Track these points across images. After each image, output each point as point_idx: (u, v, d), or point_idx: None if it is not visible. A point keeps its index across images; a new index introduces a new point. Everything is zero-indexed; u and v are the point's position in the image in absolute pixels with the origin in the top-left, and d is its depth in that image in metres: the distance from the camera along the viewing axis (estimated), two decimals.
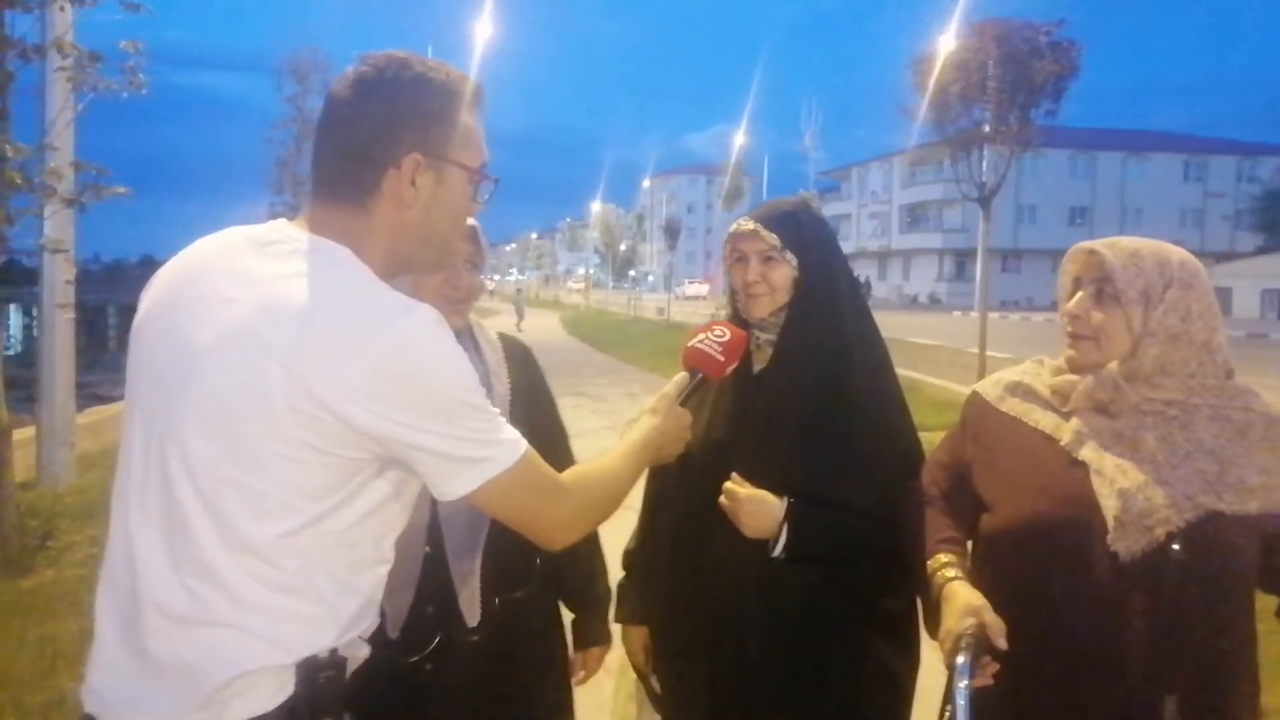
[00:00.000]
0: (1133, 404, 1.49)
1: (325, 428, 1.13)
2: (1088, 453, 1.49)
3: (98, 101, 5.70)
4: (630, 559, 2.08)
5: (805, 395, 1.80)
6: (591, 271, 70.46)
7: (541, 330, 32.15)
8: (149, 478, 1.19)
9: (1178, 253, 1.56)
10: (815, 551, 1.76)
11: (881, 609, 1.83)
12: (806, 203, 1.97)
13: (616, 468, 1.46)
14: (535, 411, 1.94)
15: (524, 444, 1.26)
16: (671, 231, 35.91)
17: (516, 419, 1.80)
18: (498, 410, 1.25)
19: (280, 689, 1.17)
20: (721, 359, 1.71)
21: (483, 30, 29.13)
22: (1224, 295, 40.68)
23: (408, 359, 1.14)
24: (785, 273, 1.83)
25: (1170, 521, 1.40)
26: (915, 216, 63.71)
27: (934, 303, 55.50)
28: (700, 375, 1.70)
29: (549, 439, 1.93)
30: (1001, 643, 1.42)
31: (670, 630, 1.96)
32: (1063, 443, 1.53)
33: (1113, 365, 1.53)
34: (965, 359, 12.28)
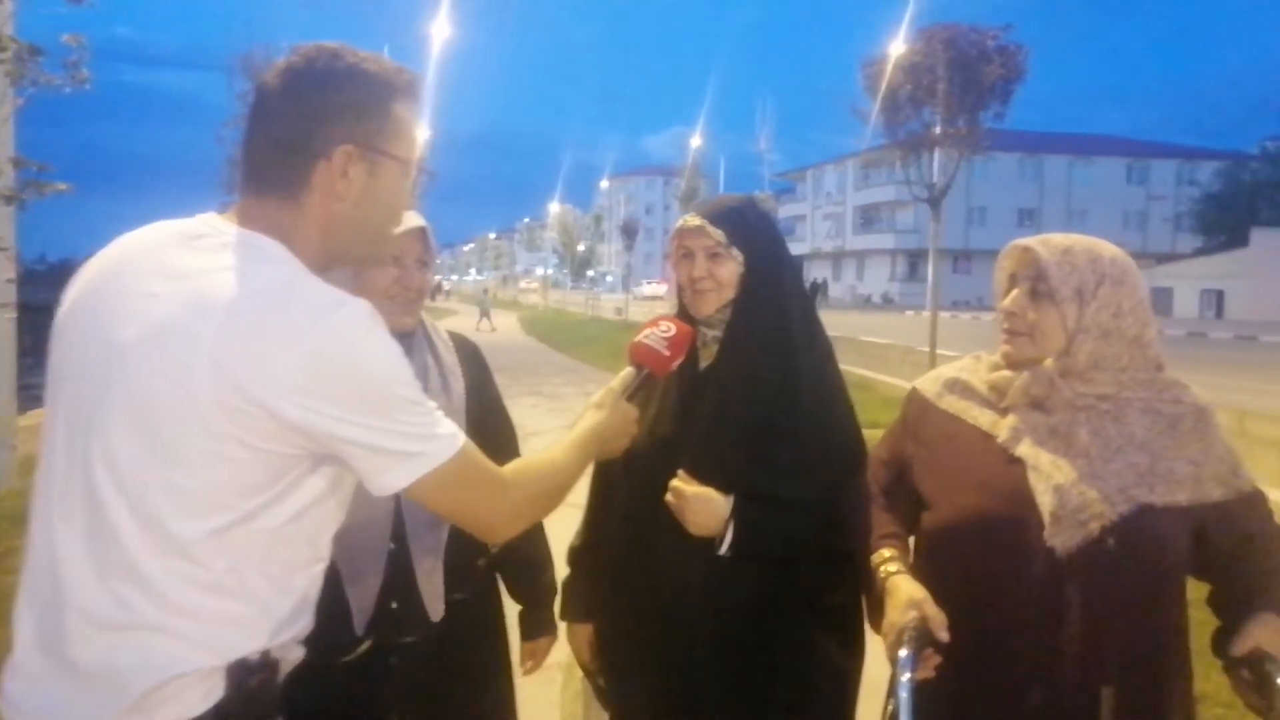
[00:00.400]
0: (1067, 399, 1.52)
1: (255, 423, 1.11)
2: (1024, 449, 1.52)
3: (45, 98, 5.58)
4: (575, 556, 2.07)
5: (751, 392, 1.79)
6: (550, 271, 70.23)
7: (500, 330, 31.97)
8: (71, 478, 1.17)
9: (1109, 249, 1.59)
10: (761, 549, 1.75)
11: (827, 605, 1.83)
12: (753, 199, 1.97)
13: (560, 461, 1.45)
14: (486, 409, 1.95)
15: (461, 438, 1.25)
16: (629, 232, 35.96)
17: (470, 417, 1.84)
18: (435, 405, 1.24)
19: (209, 693, 1.15)
20: (667, 354, 1.70)
21: (439, 30, 28.94)
22: (1165, 295, 41.68)
23: (340, 353, 1.13)
24: (732, 269, 1.81)
25: (1104, 516, 1.42)
26: (869, 218, 64.33)
27: (887, 302, 56.11)
28: (646, 371, 1.70)
29: (499, 436, 1.95)
30: (943, 635, 1.44)
31: (616, 628, 1.96)
32: (1000, 439, 1.55)
33: (1049, 362, 1.55)
34: (916, 357, 12.46)
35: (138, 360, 1.13)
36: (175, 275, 1.17)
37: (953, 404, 1.67)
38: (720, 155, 48.98)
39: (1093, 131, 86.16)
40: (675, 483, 1.74)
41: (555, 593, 2.10)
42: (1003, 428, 1.57)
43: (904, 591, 1.50)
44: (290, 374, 1.10)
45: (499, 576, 2.07)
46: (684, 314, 1.89)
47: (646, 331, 1.74)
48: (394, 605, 1.74)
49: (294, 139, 1.22)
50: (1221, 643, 1.46)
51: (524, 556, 2.04)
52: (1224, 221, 48.71)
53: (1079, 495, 1.44)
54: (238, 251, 1.18)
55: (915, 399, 1.75)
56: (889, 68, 10.02)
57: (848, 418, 1.90)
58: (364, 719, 1.75)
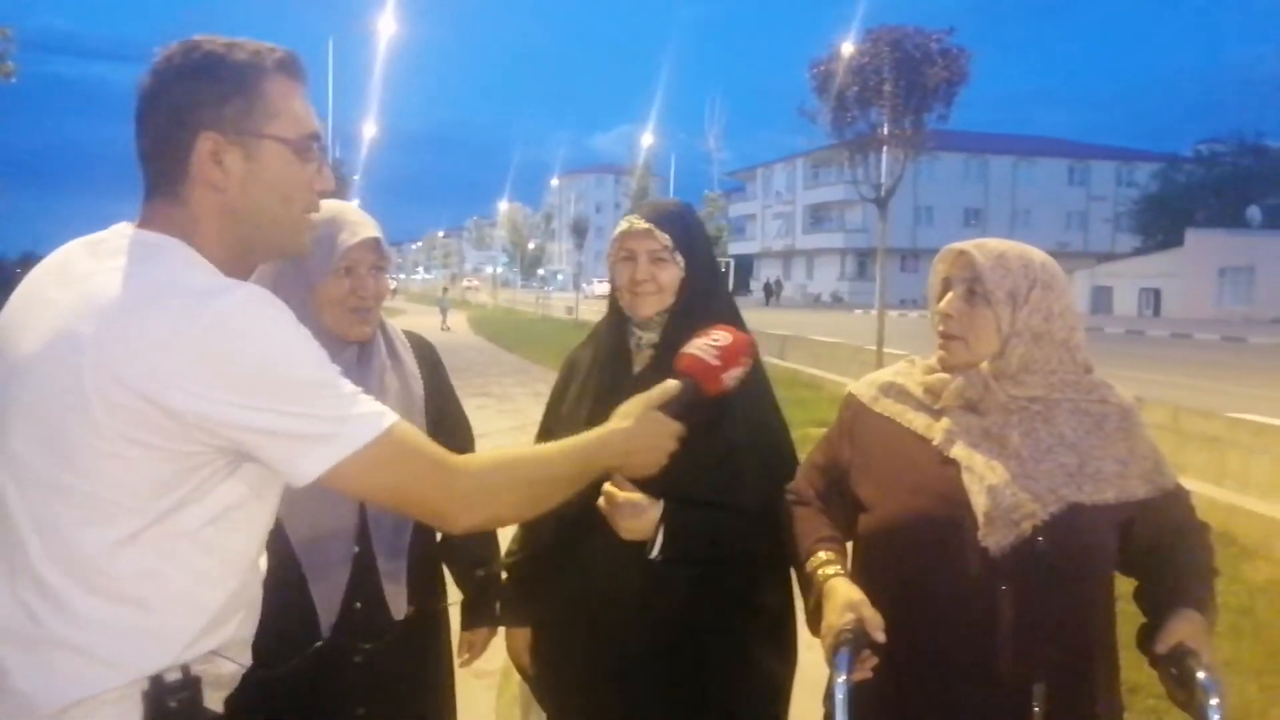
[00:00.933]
0: (1000, 402, 1.55)
1: (144, 419, 1.08)
2: (958, 451, 1.54)
3: None
4: (511, 561, 2.08)
5: None
6: (499, 270, 69.89)
7: (450, 329, 31.72)
8: None
9: (1038, 254, 1.63)
10: (692, 552, 1.77)
11: (759, 608, 1.86)
12: (690, 206, 2.01)
13: (546, 456, 1.40)
14: (444, 406, 1.98)
15: (388, 419, 1.20)
16: (579, 230, 35.90)
17: (430, 418, 1.87)
18: (354, 388, 1.20)
19: (124, 716, 1.12)
20: (717, 364, 1.55)
21: (386, 26, 28.64)
22: (1105, 294, 42.76)
23: (227, 337, 1.10)
24: (673, 273, 1.83)
25: (1035, 515, 1.46)
26: (818, 217, 64.98)
27: (837, 301, 56.74)
28: (693, 384, 1.54)
29: (457, 432, 1.99)
30: (880, 636, 1.45)
31: (552, 632, 1.96)
32: (934, 442, 1.58)
33: (984, 365, 1.58)
34: (865, 356, 12.60)
35: (35, 368, 1.13)
36: (70, 281, 1.17)
37: (888, 407, 1.68)
38: (671, 154, 49.24)
39: (1035, 133, 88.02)
40: (607, 488, 1.74)
41: (499, 584, 2.10)
42: (937, 430, 1.59)
43: (841, 594, 1.52)
44: (176, 363, 1.08)
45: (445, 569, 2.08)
46: (618, 315, 1.91)
47: (697, 341, 1.59)
48: (358, 605, 1.77)
49: (163, 136, 1.21)
50: (1147, 639, 1.49)
51: (471, 546, 2.05)
52: (1161, 222, 50.02)
53: (1011, 496, 1.47)
54: (129, 252, 1.17)
55: (851, 403, 1.76)
56: (836, 68, 10.12)
57: (777, 423, 1.92)
58: (329, 715, 1.78)
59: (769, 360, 15.80)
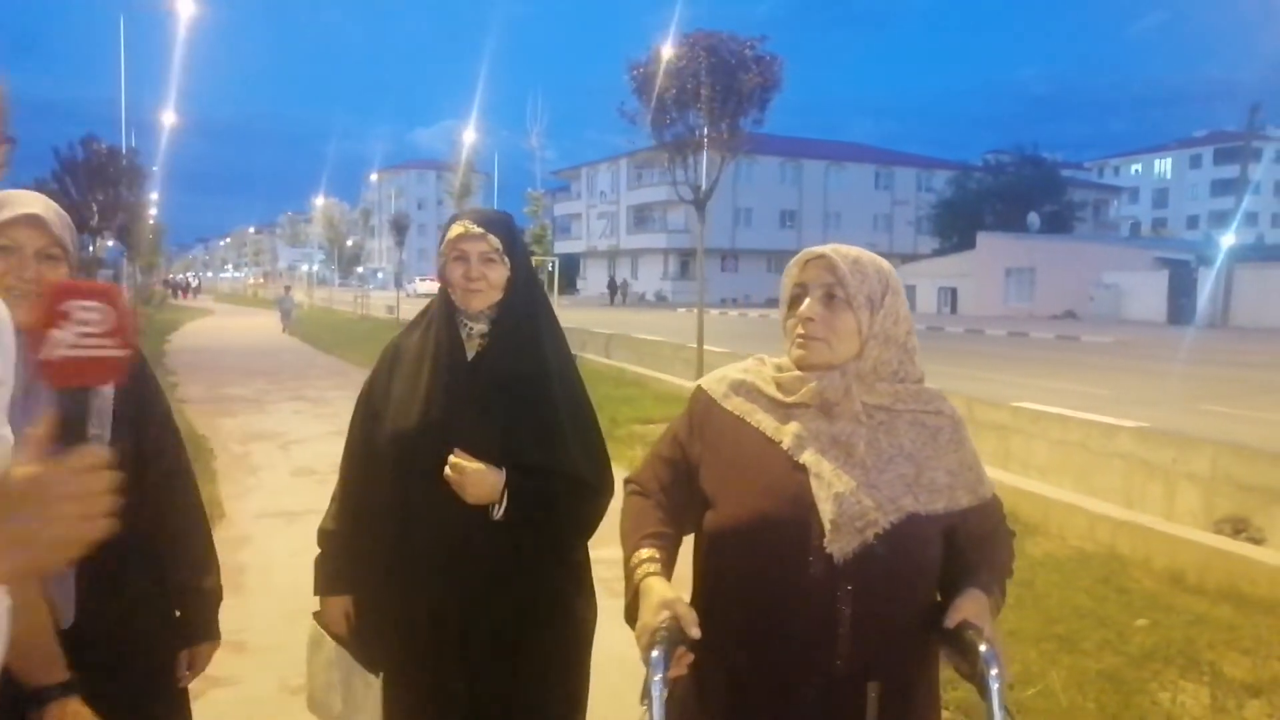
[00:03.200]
0: (853, 411, 1.60)
1: None
2: (808, 457, 1.58)
3: None
4: (328, 535, 2.21)
5: (516, 378, 2.05)
6: (315, 268, 66.96)
7: (259, 330, 30.13)
8: None
9: (884, 261, 1.70)
10: (529, 512, 2.00)
11: (570, 560, 2.15)
12: (509, 214, 2.26)
13: None
14: (145, 416, 1.92)
15: None
16: (400, 227, 34.90)
17: (122, 421, 1.80)
18: None
19: None
20: (115, 353, 1.02)
21: (184, 6, 26.74)
22: (909, 293, 45.21)
23: None
24: (502, 273, 2.07)
25: (877, 524, 1.51)
26: (642, 217, 65.94)
27: (660, 300, 57.80)
28: (87, 391, 1.03)
29: (158, 445, 1.94)
30: (695, 633, 1.46)
31: (385, 594, 2.10)
32: (784, 445, 1.60)
33: (846, 366, 1.62)
34: (687, 354, 12.89)
35: None
36: None
37: (738, 405, 1.70)
38: (494, 151, 48.63)
39: (846, 139, 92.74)
40: (455, 459, 1.96)
41: (218, 598, 2.07)
42: (786, 434, 1.62)
43: (656, 593, 1.52)
44: None
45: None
46: (449, 307, 2.11)
47: (57, 335, 1.00)
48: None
49: None
50: (936, 617, 1.56)
51: (179, 557, 2.00)
52: (956, 225, 53.93)
53: (856, 504, 1.52)
54: None
55: (701, 398, 1.77)
56: (654, 71, 10.28)
57: (584, 397, 2.20)
58: None
59: (595, 359, 15.79)
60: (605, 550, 2.03)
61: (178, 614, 2.02)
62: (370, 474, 2.12)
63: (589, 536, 2.16)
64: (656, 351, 15.20)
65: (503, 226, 2.11)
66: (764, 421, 1.66)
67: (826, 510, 1.52)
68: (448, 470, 1.96)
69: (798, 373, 1.66)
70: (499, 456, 1.98)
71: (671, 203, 55.22)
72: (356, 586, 2.18)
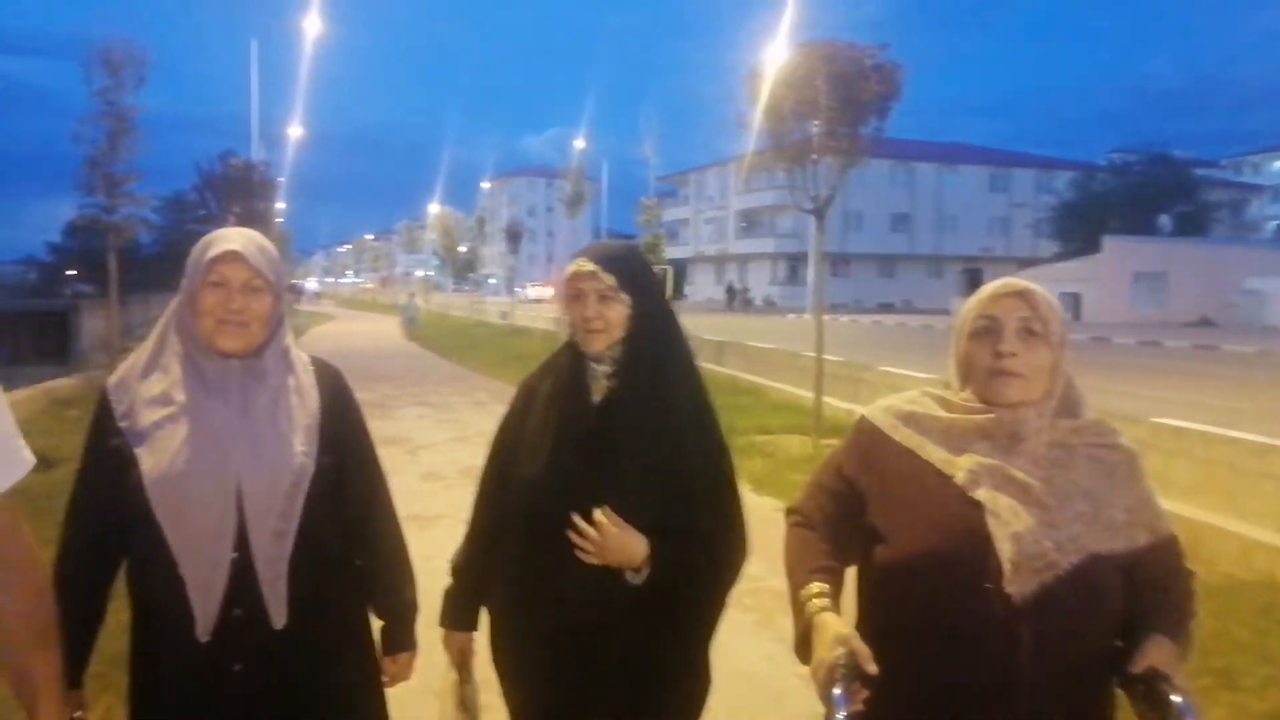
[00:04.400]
0: (1031, 449, 1.58)
1: None
2: (983, 493, 1.56)
3: None
4: (460, 568, 2.17)
5: (642, 427, 1.94)
6: (430, 274, 69.01)
7: (379, 335, 31.20)
8: None
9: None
10: (667, 578, 1.90)
11: (702, 624, 2.04)
12: (637, 247, 2.16)
13: None
14: (346, 432, 1.99)
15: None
16: (513, 235, 35.60)
17: (326, 436, 1.92)
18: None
19: None
20: None
21: (311, 25, 28.01)
22: None
23: None
24: (620, 311, 1.97)
25: (1058, 565, 1.50)
26: (750, 222, 65.52)
27: (769, 305, 57.32)
28: None
29: (358, 460, 2.02)
30: (871, 668, 1.47)
31: (510, 639, 2.07)
32: (957, 480, 1.59)
33: (1045, 404, 1.61)
34: (802, 362, 12.75)
35: None
36: None
37: (908, 438, 1.68)
38: (603, 157, 49.14)
39: (958, 140, 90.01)
40: (598, 516, 1.86)
41: (416, 610, 2.13)
42: (959, 468, 1.60)
43: (831, 628, 1.53)
44: None
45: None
46: (574, 349, 2.03)
47: None
48: (237, 612, 1.78)
49: None
50: (1119, 662, 1.54)
51: (387, 573, 2.08)
52: (1078, 229, 51.75)
53: (1035, 544, 1.51)
54: None
55: (866, 429, 1.76)
56: (771, 82, 10.22)
57: (720, 450, 2.05)
58: None
59: (707, 366, 15.78)
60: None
61: (381, 624, 2.10)
62: (500, 517, 2.08)
63: (723, 605, 2.06)
64: (770, 359, 15.09)
65: (620, 261, 2.01)
66: (935, 454, 1.64)
67: (1005, 549, 1.51)
68: (585, 526, 1.88)
69: (980, 404, 1.64)
70: (634, 512, 1.89)
71: (781, 207, 54.81)
72: (475, 626, 2.17)
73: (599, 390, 1.99)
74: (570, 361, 2.04)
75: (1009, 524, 1.53)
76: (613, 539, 1.86)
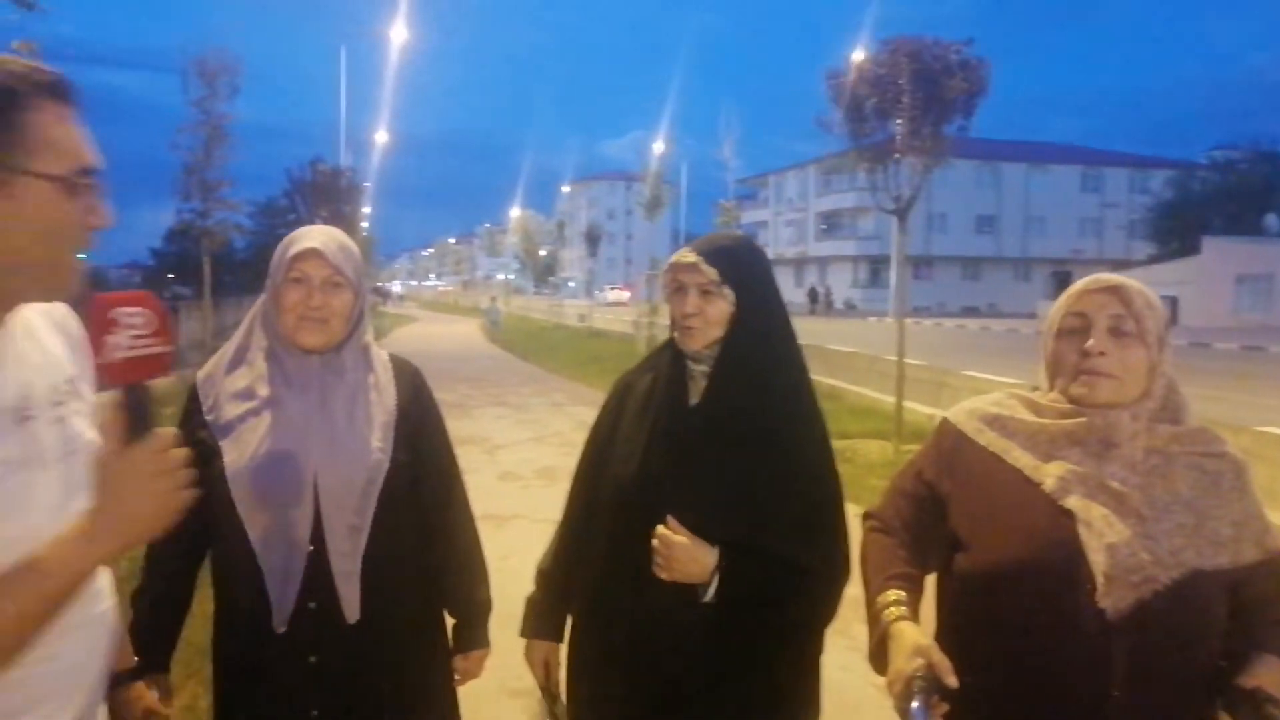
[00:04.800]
0: (1126, 455, 1.50)
1: None
2: (1074, 501, 1.49)
3: None
4: (545, 575, 2.07)
5: (735, 433, 1.79)
6: (511, 277, 70.04)
7: (459, 337, 31.73)
8: None
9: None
10: (742, 599, 1.75)
11: (796, 652, 1.86)
12: (748, 239, 1.96)
13: None
14: (423, 430, 2.00)
15: None
16: (592, 238, 35.88)
17: (401, 435, 1.93)
18: None
19: None
20: (158, 349, 1.21)
21: (397, 34, 28.72)
22: None
23: None
24: (722, 308, 1.82)
25: (1157, 580, 1.42)
26: (831, 224, 64.86)
27: (849, 308, 56.54)
28: (140, 386, 1.22)
29: (434, 458, 2.03)
30: (951, 681, 1.42)
31: (589, 652, 1.96)
32: (1045, 487, 1.52)
33: (1140, 407, 1.52)
34: (882, 365, 12.53)
35: None
36: None
37: (993, 442, 1.62)
38: (682, 160, 49.12)
39: (1046, 139, 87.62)
40: (662, 529, 1.73)
41: (489, 609, 2.11)
42: (1048, 475, 1.53)
43: (908, 638, 1.48)
44: None
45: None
46: (674, 347, 1.90)
47: (112, 340, 1.18)
48: (312, 605, 1.79)
49: None
50: (1223, 682, 1.46)
51: (460, 570, 2.07)
52: (1176, 230, 49.78)
53: (1132, 557, 1.43)
54: None
55: (949, 432, 1.69)
56: (853, 79, 10.06)
57: (824, 462, 1.85)
58: (284, 715, 1.82)
59: None
60: None
61: (453, 621, 2.10)
62: (589, 520, 1.97)
63: (821, 628, 1.88)
64: (850, 363, 14.85)
65: (725, 254, 1.84)
66: (1022, 460, 1.57)
67: (1098, 561, 1.43)
68: (655, 541, 1.73)
69: (1069, 406, 1.56)
70: (712, 526, 1.74)
71: (861, 209, 54.12)
72: (560, 635, 2.03)
73: (696, 391, 1.85)
74: (670, 360, 1.91)
75: (1103, 535, 1.45)
76: (679, 550, 1.71)
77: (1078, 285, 1.61)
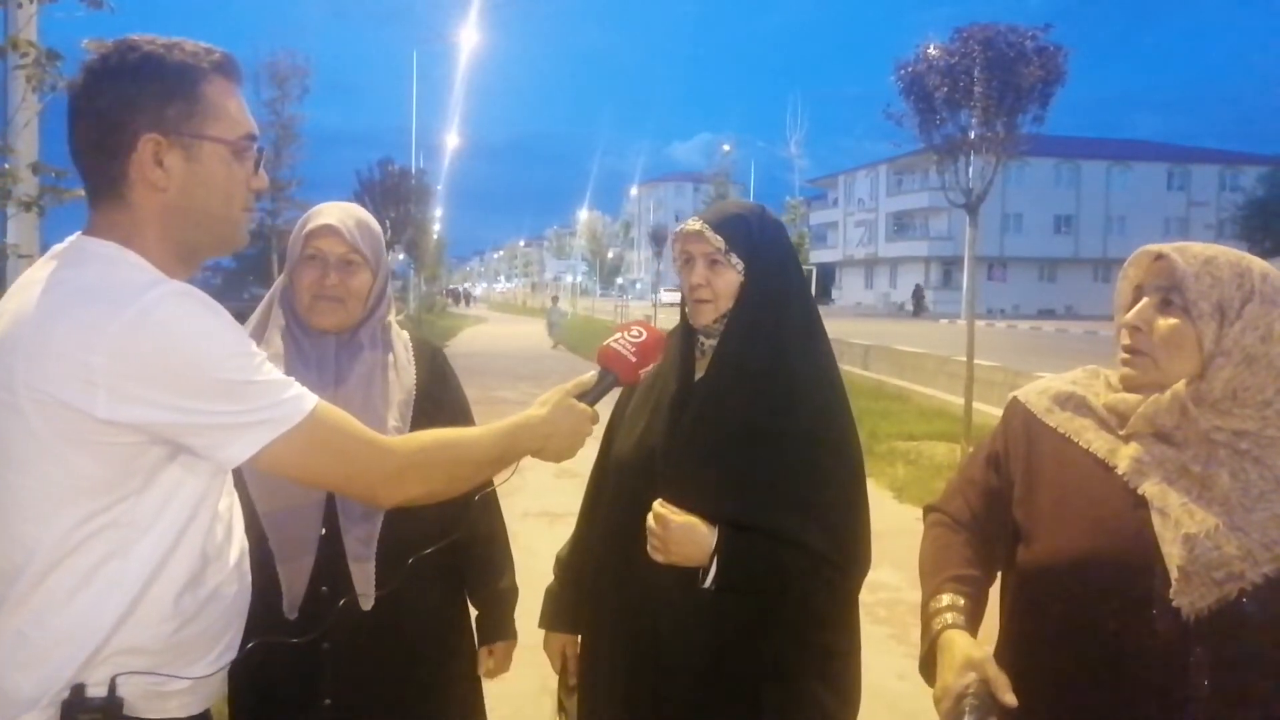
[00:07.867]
0: (1201, 432, 1.32)
1: (72, 417, 1.10)
2: (1150, 487, 1.32)
3: (62, 104, 5.50)
4: (561, 565, 2.02)
5: (737, 410, 1.68)
6: (579, 279, 70.57)
7: (526, 337, 31.97)
8: None
9: (1259, 263, 1.38)
10: (745, 584, 1.64)
11: (815, 643, 1.70)
12: (763, 208, 1.85)
13: (472, 437, 1.47)
14: (444, 410, 1.93)
15: (310, 401, 1.24)
16: (658, 239, 35.86)
17: (420, 414, 1.85)
18: (275, 374, 1.23)
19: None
20: (633, 359, 1.66)
21: (468, 38, 29.12)
22: None
23: (149, 333, 1.12)
24: (730, 278, 1.72)
25: (1244, 576, 1.24)
26: (902, 224, 63.91)
27: (921, 310, 55.57)
28: (612, 375, 1.66)
29: None
30: (1010, 699, 1.26)
31: (591, 645, 1.89)
32: (1119, 471, 1.35)
33: (1179, 386, 1.34)
34: (952, 367, 12.19)
35: None
36: (19, 290, 1.22)
37: (1065, 422, 1.45)
38: (750, 162, 48.88)
39: (1129, 136, 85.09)
40: (658, 509, 1.63)
41: (513, 599, 2.06)
42: (1123, 458, 1.36)
43: (960, 649, 1.32)
44: (96, 361, 1.10)
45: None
46: (685, 322, 1.82)
47: (617, 335, 1.70)
48: (324, 590, 1.75)
49: (102, 138, 1.22)
50: None
51: (482, 559, 2.01)
52: (1270, 228, 47.73)
53: (1214, 550, 1.25)
54: (63, 257, 1.22)
55: (1018, 411, 1.53)
56: (924, 70, 9.75)
57: (844, 444, 1.72)
58: (296, 701, 1.75)
59: (851, 370, 15.38)
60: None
61: (476, 612, 2.04)
62: (599, 503, 1.90)
63: (831, 620, 1.73)
64: (919, 364, 14.48)
65: (734, 222, 1.73)
66: (1095, 441, 1.40)
67: (1173, 554, 1.25)
68: (650, 521, 1.64)
69: (1126, 396, 1.39)
70: (709, 505, 1.63)
71: (934, 209, 53.14)
72: (578, 627, 1.95)
73: (703, 367, 1.77)
74: (681, 335, 1.82)
75: (1180, 524, 1.27)
76: (675, 531, 1.61)
77: (1137, 253, 1.44)
